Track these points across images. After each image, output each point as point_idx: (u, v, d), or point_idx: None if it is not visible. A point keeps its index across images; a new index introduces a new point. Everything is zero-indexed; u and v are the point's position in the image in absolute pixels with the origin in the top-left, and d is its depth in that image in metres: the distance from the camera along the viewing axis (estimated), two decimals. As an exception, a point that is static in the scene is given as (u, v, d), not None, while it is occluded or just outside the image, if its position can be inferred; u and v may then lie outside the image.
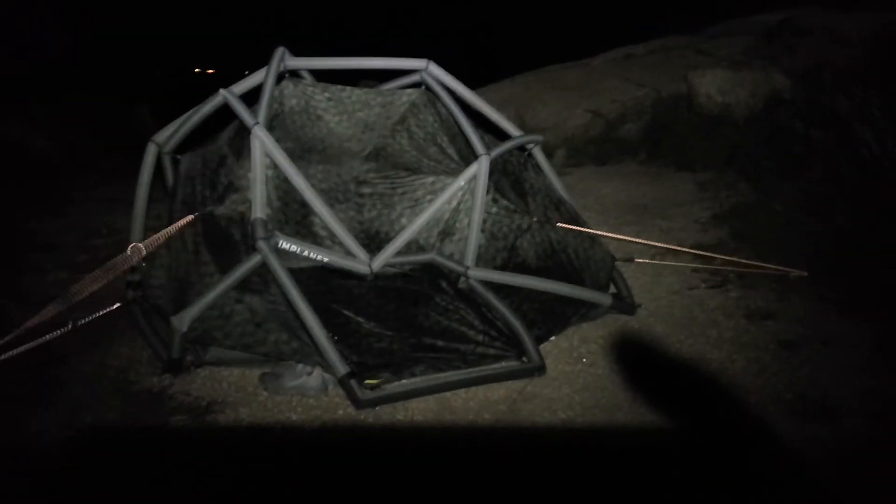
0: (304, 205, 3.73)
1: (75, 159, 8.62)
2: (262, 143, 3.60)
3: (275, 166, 3.66)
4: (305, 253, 3.57)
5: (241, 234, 3.65)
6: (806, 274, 4.29)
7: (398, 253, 3.80)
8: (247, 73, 4.08)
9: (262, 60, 4.03)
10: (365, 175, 3.95)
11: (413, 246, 3.86)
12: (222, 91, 3.87)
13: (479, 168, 3.83)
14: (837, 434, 2.90)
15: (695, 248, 4.74)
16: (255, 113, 3.73)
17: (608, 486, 2.66)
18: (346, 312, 3.61)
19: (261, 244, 3.43)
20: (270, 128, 3.72)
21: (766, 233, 4.95)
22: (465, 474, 2.74)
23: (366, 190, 3.96)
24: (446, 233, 3.94)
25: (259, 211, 3.52)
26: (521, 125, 7.02)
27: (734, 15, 9.97)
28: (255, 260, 3.44)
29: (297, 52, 4.12)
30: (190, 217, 3.67)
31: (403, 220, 3.93)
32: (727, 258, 4.51)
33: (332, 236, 3.77)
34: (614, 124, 8.06)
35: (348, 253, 3.72)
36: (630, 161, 7.62)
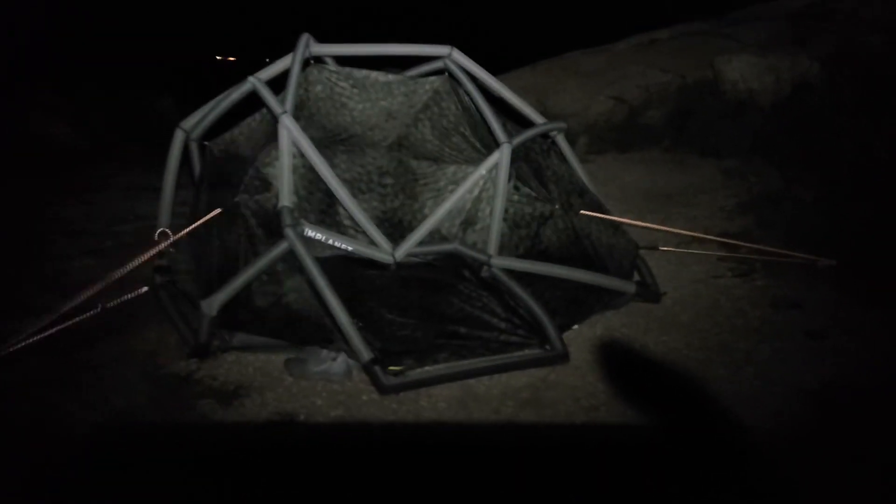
0: (329, 194, 3.74)
1: (99, 148, 8.70)
2: (290, 132, 3.61)
3: (301, 155, 3.67)
4: (330, 241, 3.59)
5: (267, 220, 3.67)
6: (834, 263, 4.23)
7: (421, 243, 3.79)
8: (267, 60, 4.08)
9: (283, 47, 4.03)
10: (388, 166, 3.95)
11: (436, 235, 3.86)
12: (250, 79, 3.88)
13: (501, 156, 3.82)
14: (863, 425, 2.86)
15: (720, 237, 4.69)
16: (282, 101, 3.73)
17: (631, 473, 2.65)
18: (369, 302, 3.62)
19: (288, 231, 3.45)
20: (296, 116, 3.72)
21: (793, 221, 4.88)
22: (487, 461, 2.74)
23: (388, 181, 3.97)
24: (469, 222, 3.94)
25: (286, 199, 3.55)
26: (543, 112, 6.94)
27: (760, -1, 9.80)
28: (282, 247, 3.47)
29: (318, 38, 4.11)
30: (217, 211, 3.70)
31: (426, 210, 3.94)
32: (753, 246, 4.46)
33: (357, 226, 3.78)
34: (638, 111, 7.96)
35: (372, 243, 3.73)
36: (654, 148, 7.53)
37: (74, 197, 6.61)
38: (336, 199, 3.73)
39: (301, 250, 3.44)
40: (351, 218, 3.75)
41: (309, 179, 3.72)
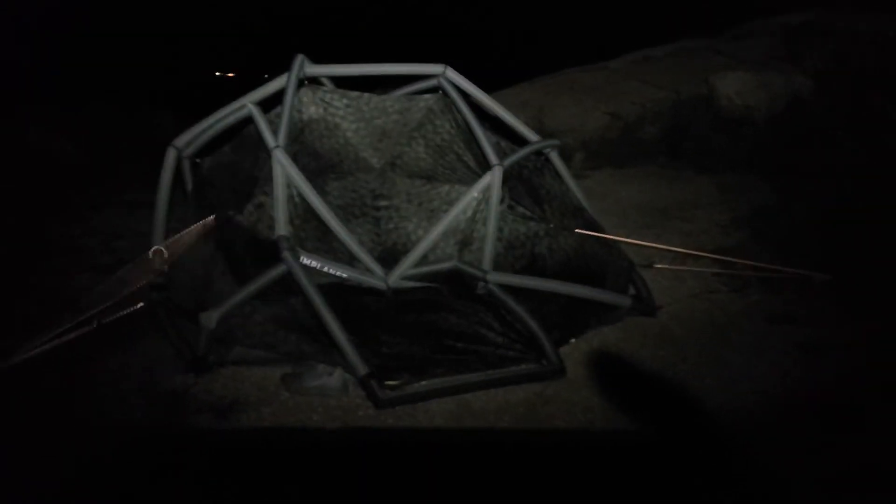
0: (324, 221, 3.78)
1: (98, 164, 8.72)
2: (283, 167, 3.66)
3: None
4: (325, 269, 3.63)
5: (261, 241, 3.70)
6: (829, 278, 4.25)
7: (418, 263, 3.82)
8: (266, 76, 4.12)
9: (280, 63, 4.07)
10: (381, 188, 3.99)
11: (430, 258, 3.89)
12: (249, 106, 3.93)
13: (493, 178, 3.86)
14: (859, 439, 2.87)
15: (715, 252, 4.70)
16: (276, 127, 3.78)
17: (627, 489, 2.66)
18: (365, 323, 3.64)
19: (286, 255, 3.50)
20: (289, 140, 3.76)
21: (789, 236, 4.90)
22: (484, 476, 2.75)
23: (382, 203, 4.01)
24: (464, 243, 3.97)
25: (282, 229, 3.60)
26: (540, 128, 7.00)
27: (755, 16, 9.88)
28: (279, 269, 3.51)
29: (314, 55, 4.14)
30: (211, 219, 3.73)
31: (420, 232, 3.98)
32: (748, 262, 4.47)
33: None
34: (633, 127, 8.01)
35: (366, 269, 3.76)
36: (649, 164, 7.57)
37: (73, 213, 6.63)
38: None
39: (298, 272, 3.47)
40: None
41: (304, 208, 3.77)
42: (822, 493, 2.61)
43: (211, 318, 3.41)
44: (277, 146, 3.70)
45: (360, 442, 3.05)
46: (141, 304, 3.78)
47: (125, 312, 3.69)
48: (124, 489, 2.68)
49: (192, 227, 3.86)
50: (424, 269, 3.84)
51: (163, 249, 3.89)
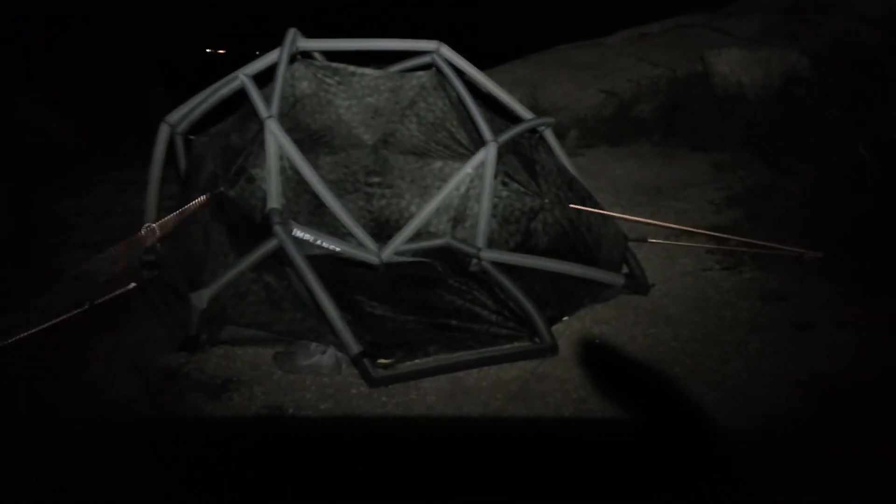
0: (316, 195, 3.75)
1: (90, 143, 8.67)
2: (276, 137, 3.61)
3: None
4: (318, 242, 3.60)
5: (254, 216, 3.67)
6: (822, 255, 4.25)
7: (411, 240, 3.80)
8: (257, 53, 4.06)
9: (272, 39, 4.01)
10: (373, 164, 3.95)
11: (423, 233, 3.87)
12: (241, 77, 3.87)
13: (487, 155, 3.83)
14: (850, 416, 2.89)
15: (709, 230, 4.69)
16: (268, 100, 3.73)
17: (619, 464, 2.67)
18: (358, 298, 3.63)
19: (277, 228, 3.46)
20: (282, 114, 3.72)
21: (782, 214, 4.90)
22: (476, 454, 2.76)
23: (375, 179, 3.97)
24: (458, 220, 3.94)
25: (274, 201, 3.56)
26: (534, 105, 6.98)
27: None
28: (272, 244, 3.48)
29: (307, 32, 4.09)
30: (203, 198, 3.70)
31: (413, 208, 3.94)
32: (742, 239, 4.47)
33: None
34: (628, 104, 7.98)
35: (359, 244, 3.74)
36: (644, 141, 7.54)
37: (66, 191, 6.60)
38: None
39: (290, 246, 3.44)
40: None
41: (297, 181, 3.73)
42: (811, 471, 2.62)
43: (202, 298, 3.40)
44: (270, 116, 3.65)
45: (353, 420, 3.05)
46: (133, 284, 3.77)
47: (118, 292, 3.68)
48: (117, 466, 2.68)
49: (185, 204, 3.83)
50: (419, 244, 3.82)
51: (155, 227, 3.86)
